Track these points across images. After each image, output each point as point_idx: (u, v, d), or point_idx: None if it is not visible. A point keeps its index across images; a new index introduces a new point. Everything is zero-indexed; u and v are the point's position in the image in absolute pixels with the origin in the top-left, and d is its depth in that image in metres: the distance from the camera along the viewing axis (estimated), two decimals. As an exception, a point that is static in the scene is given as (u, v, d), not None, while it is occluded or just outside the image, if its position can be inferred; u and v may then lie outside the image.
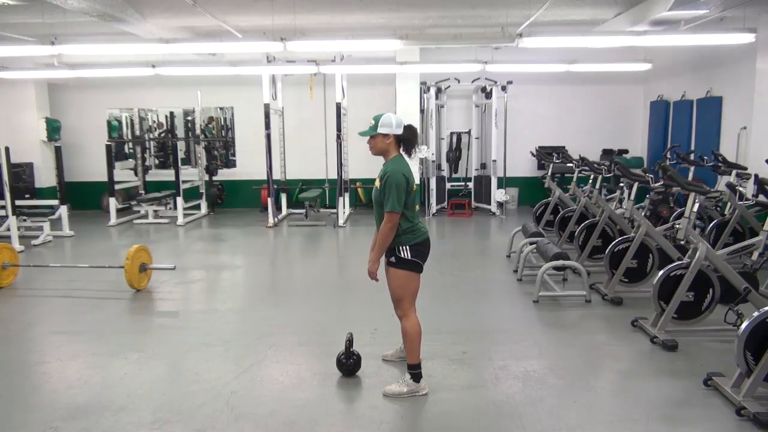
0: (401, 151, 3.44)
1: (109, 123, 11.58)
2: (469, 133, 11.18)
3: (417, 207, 3.43)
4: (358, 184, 11.17)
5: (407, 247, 3.35)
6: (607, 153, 10.74)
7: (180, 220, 9.89)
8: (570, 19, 8.04)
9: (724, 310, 4.05)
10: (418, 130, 10.09)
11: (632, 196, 5.48)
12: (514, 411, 3.26)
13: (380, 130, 3.37)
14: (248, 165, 11.41)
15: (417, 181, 10.07)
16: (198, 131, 10.95)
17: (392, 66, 9.33)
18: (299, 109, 11.13)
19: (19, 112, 10.75)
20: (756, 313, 3.28)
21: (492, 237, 9.03)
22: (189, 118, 11.50)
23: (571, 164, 7.51)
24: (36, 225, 8.58)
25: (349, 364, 3.71)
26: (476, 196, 11.14)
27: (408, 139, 3.41)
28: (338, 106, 9.53)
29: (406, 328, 3.43)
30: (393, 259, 3.38)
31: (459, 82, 10.68)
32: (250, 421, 3.18)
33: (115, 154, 10.49)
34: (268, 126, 9.55)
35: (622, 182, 6.41)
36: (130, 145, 11.64)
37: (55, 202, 8.95)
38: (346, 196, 10.30)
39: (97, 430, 3.11)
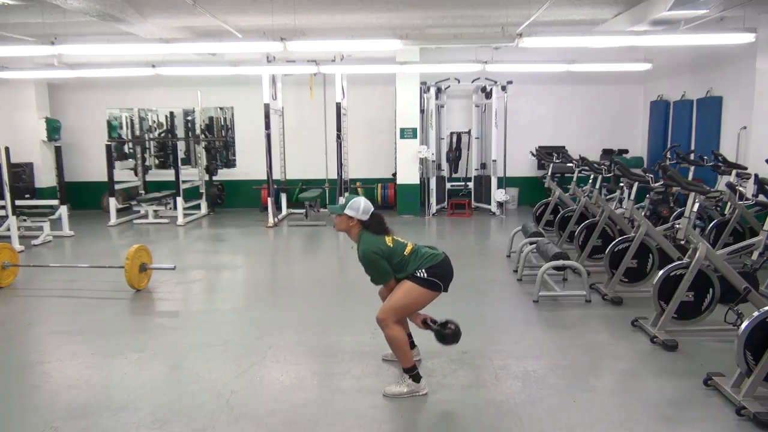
0: (362, 229, 3.49)
1: (109, 123, 11.58)
2: (469, 133, 11.18)
3: (409, 247, 3.47)
4: (358, 184, 11.16)
5: (423, 270, 3.41)
6: (607, 153, 10.75)
7: (180, 220, 9.89)
8: (570, 19, 8.05)
9: (724, 310, 4.05)
10: (417, 131, 10.13)
11: (632, 196, 5.47)
12: (514, 411, 3.26)
13: (347, 211, 3.46)
14: (248, 165, 11.42)
15: (416, 180, 10.21)
16: (198, 131, 10.96)
17: (392, 66, 9.33)
18: (299, 109, 11.14)
19: (19, 112, 10.76)
20: (756, 313, 3.28)
21: (492, 237, 9.03)
22: (189, 118, 11.50)
23: (571, 164, 7.51)
24: (36, 225, 8.58)
25: (449, 331, 3.54)
26: (476, 196, 11.15)
27: (370, 226, 3.48)
28: (338, 106, 9.53)
29: (389, 337, 3.43)
30: (410, 276, 3.43)
31: (459, 82, 10.68)
32: (250, 421, 3.18)
33: (115, 154, 10.50)
34: (268, 126, 9.55)
35: (622, 182, 6.41)
36: (130, 145, 11.64)
37: (55, 202, 8.95)
38: (346, 195, 10.28)
39: (97, 430, 3.11)
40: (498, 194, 10.39)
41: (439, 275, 3.42)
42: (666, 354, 4.05)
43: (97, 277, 6.22)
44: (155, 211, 10.27)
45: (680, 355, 4.03)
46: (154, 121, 11.89)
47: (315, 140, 11.05)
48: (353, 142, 10.92)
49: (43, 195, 10.54)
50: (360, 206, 3.47)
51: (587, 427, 3.09)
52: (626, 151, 11.06)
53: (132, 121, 11.83)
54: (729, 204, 6.34)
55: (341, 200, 3.59)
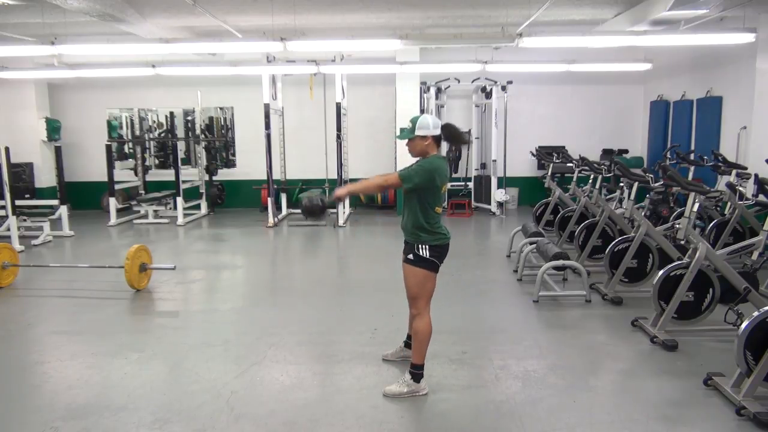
0: (439, 150, 3.47)
1: (109, 123, 11.58)
2: (469, 133, 11.17)
3: (439, 209, 3.43)
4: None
5: (427, 246, 3.38)
6: (607, 153, 10.74)
7: (180, 220, 9.89)
8: (570, 19, 8.05)
9: (724, 310, 4.06)
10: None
11: (632, 196, 5.48)
12: (514, 411, 3.26)
13: (418, 132, 3.39)
14: (248, 165, 11.43)
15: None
16: (198, 131, 10.96)
17: (392, 66, 9.33)
18: (299, 109, 11.14)
19: (19, 112, 10.76)
20: (756, 313, 3.28)
21: (492, 237, 9.03)
22: (189, 118, 11.50)
23: (571, 164, 7.51)
24: (36, 225, 8.58)
25: (317, 204, 3.54)
26: (476, 196, 11.14)
27: (447, 138, 3.44)
28: (338, 106, 9.53)
29: (417, 327, 3.45)
30: (411, 256, 3.41)
31: (459, 82, 10.68)
32: (250, 421, 3.18)
33: (115, 154, 10.51)
34: (268, 126, 9.55)
35: (622, 182, 6.41)
36: (130, 145, 11.64)
37: (55, 202, 8.95)
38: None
39: (97, 430, 3.11)
40: (498, 194, 10.39)
41: (438, 255, 3.42)
42: (666, 354, 4.05)
43: (97, 277, 6.22)
44: (155, 211, 10.27)
45: (680, 355, 4.03)
46: (154, 121, 11.89)
47: (315, 140, 11.04)
48: (353, 142, 10.92)
49: (43, 195, 10.54)
50: (429, 122, 3.40)
51: (587, 427, 3.09)
52: (626, 151, 11.06)
53: (132, 121, 11.82)
54: (729, 204, 6.34)
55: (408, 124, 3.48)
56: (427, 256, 3.37)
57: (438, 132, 3.41)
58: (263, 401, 3.41)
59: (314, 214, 3.52)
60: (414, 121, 3.42)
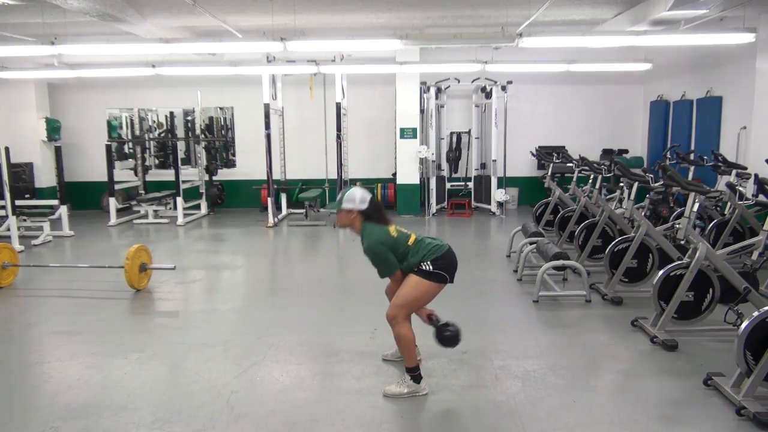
0: (365, 222, 3.48)
1: (109, 123, 11.59)
2: (469, 133, 11.18)
3: (412, 238, 3.46)
4: (358, 184, 11.16)
5: (429, 262, 3.39)
6: (607, 153, 10.74)
7: (180, 220, 9.89)
8: (570, 19, 8.05)
9: (724, 310, 4.05)
10: (417, 131, 10.13)
11: (632, 196, 5.48)
12: (514, 411, 3.26)
13: (344, 206, 3.46)
14: (248, 165, 11.43)
15: (416, 180, 10.21)
16: (198, 131, 10.97)
17: (392, 66, 9.33)
18: (299, 109, 11.14)
19: (19, 112, 10.77)
20: (756, 313, 3.28)
21: (492, 237, 9.03)
22: (189, 118, 11.50)
23: (571, 164, 7.51)
24: (36, 225, 8.58)
25: (448, 333, 3.50)
26: (476, 196, 11.14)
27: (371, 214, 3.47)
28: (338, 106, 9.53)
29: (399, 335, 3.43)
30: (416, 269, 3.42)
31: (459, 82, 10.68)
32: (250, 421, 3.18)
33: (115, 154, 10.51)
34: (268, 126, 9.55)
35: (622, 182, 6.41)
36: (130, 145, 11.64)
37: (55, 202, 8.95)
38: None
39: (97, 430, 3.11)
40: (498, 194, 10.39)
41: (444, 267, 3.40)
42: (666, 354, 4.05)
43: (97, 277, 6.22)
44: (155, 211, 10.27)
45: (680, 355, 4.03)
46: (154, 121, 11.90)
47: (315, 140, 11.05)
48: (353, 142, 10.91)
49: (43, 195, 10.54)
50: (356, 197, 3.46)
51: (587, 427, 3.09)
52: (626, 151, 11.06)
53: (132, 121, 11.83)
54: (729, 204, 6.34)
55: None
56: (432, 270, 3.38)
57: (364, 207, 3.44)
58: (263, 401, 3.41)
59: (454, 341, 3.53)
60: (343, 194, 3.50)
